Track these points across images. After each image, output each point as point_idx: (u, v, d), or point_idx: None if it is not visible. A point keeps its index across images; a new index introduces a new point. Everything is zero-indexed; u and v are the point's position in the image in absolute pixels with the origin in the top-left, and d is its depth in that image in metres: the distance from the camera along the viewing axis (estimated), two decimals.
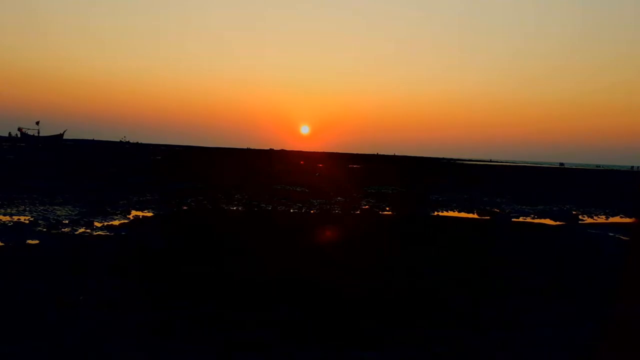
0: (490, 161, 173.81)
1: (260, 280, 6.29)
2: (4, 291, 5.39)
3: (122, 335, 4.34)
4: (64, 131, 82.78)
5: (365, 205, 16.28)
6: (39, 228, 9.36)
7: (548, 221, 14.77)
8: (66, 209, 12.19)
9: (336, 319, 5.00)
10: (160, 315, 4.89)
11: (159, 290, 5.67)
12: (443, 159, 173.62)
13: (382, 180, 30.56)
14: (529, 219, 14.99)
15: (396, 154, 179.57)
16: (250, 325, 4.73)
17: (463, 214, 15.68)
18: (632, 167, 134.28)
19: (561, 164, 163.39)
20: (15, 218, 10.46)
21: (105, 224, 10.35)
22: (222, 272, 6.64)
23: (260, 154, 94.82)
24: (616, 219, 16.19)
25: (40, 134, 79.47)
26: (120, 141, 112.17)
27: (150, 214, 12.16)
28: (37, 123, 79.59)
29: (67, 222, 10.18)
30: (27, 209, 11.89)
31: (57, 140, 79.83)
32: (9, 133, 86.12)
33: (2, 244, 7.88)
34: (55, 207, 12.31)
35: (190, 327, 4.60)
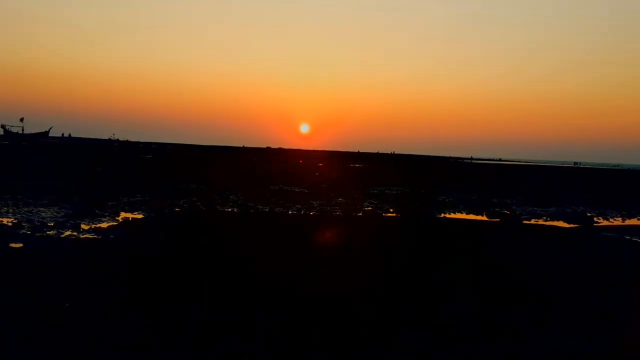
0: (500, 160, 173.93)
1: (256, 285, 6.30)
2: None
3: (109, 346, 4.34)
4: (50, 128, 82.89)
5: (368, 207, 16.28)
6: (23, 231, 9.37)
7: (561, 223, 14.78)
8: (52, 210, 12.20)
9: (335, 325, 5.00)
10: (149, 323, 4.89)
11: (148, 297, 5.67)
12: (450, 157, 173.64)
13: (386, 180, 30.57)
14: (540, 221, 14.99)
15: (394, 152, 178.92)
16: (247, 332, 4.73)
17: (471, 216, 15.70)
18: None
19: (576, 163, 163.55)
20: None
21: (93, 226, 10.35)
22: (217, 277, 6.64)
23: (257, 152, 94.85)
24: (633, 221, 16.19)
25: (25, 131, 79.54)
26: (110, 139, 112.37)
27: (140, 216, 12.17)
28: (22, 120, 79.67)
29: (52, 224, 10.18)
30: (10, 210, 11.89)
31: (43, 137, 79.91)
32: None
33: None
34: (41, 209, 12.31)
35: (182, 335, 4.60)
